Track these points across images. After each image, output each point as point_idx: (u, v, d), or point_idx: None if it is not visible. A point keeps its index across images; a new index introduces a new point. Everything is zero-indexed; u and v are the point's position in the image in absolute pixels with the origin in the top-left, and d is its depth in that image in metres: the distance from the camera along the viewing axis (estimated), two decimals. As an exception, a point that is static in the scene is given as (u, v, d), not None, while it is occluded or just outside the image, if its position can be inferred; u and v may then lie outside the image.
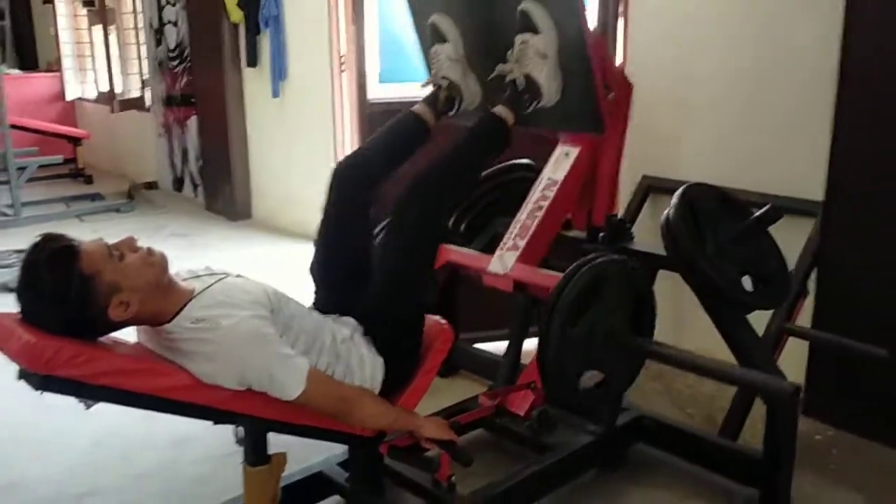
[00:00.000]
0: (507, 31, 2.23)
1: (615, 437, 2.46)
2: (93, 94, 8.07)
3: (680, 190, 2.28)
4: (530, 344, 2.69)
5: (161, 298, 1.64)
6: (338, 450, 2.24)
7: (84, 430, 2.68)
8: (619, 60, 3.32)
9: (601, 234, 2.49)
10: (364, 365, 1.89)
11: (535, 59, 2.10)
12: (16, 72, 8.74)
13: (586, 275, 2.03)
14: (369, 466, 2.18)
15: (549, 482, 2.31)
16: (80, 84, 8.45)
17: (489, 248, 2.86)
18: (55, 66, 8.65)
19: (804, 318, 2.74)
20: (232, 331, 1.59)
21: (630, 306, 2.14)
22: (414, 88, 2.60)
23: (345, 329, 1.94)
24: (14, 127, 6.27)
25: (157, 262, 1.64)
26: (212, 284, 1.73)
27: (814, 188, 2.72)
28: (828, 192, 2.64)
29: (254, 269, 2.08)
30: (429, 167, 2.03)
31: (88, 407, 1.56)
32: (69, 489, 2.43)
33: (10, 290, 4.37)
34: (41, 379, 1.45)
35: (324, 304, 2.05)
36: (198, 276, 1.79)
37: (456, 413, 2.43)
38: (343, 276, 2.03)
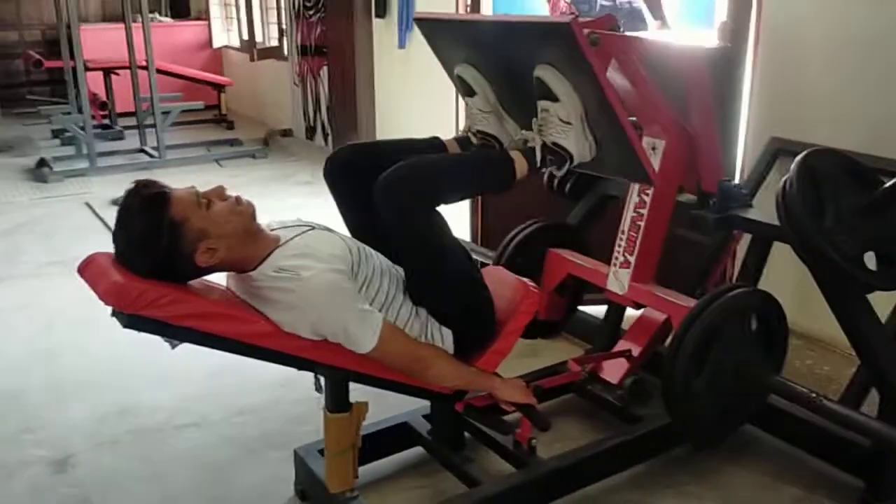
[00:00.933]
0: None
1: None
2: (237, 43, 8.40)
3: (801, 155, 2.10)
4: (632, 311, 2.62)
5: (247, 246, 1.70)
6: (427, 402, 2.26)
7: (200, 364, 2.76)
8: (754, 15, 3.09)
9: (712, 201, 2.34)
10: (434, 325, 1.88)
11: (559, 126, 1.92)
12: (167, 20, 9.22)
13: (699, 328, 1.97)
14: (451, 422, 2.20)
15: (637, 454, 2.25)
16: (227, 32, 8.82)
17: (598, 208, 2.79)
18: (204, 15, 9.05)
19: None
20: (310, 282, 1.62)
21: (755, 339, 2.09)
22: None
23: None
24: (160, 72, 6.64)
25: (244, 211, 1.69)
26: (297, 235, 1.77)
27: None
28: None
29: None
30: (424, 158, 1.88)
31: (174, 346, 1.64)
32: (176, 419, 2.60)
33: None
34: (128, 317, 1.54)
35: None
36: (286, 227, 1.83)
37: (544, 376, 2.41)
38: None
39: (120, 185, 5.67)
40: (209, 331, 1.60)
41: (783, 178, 2.10)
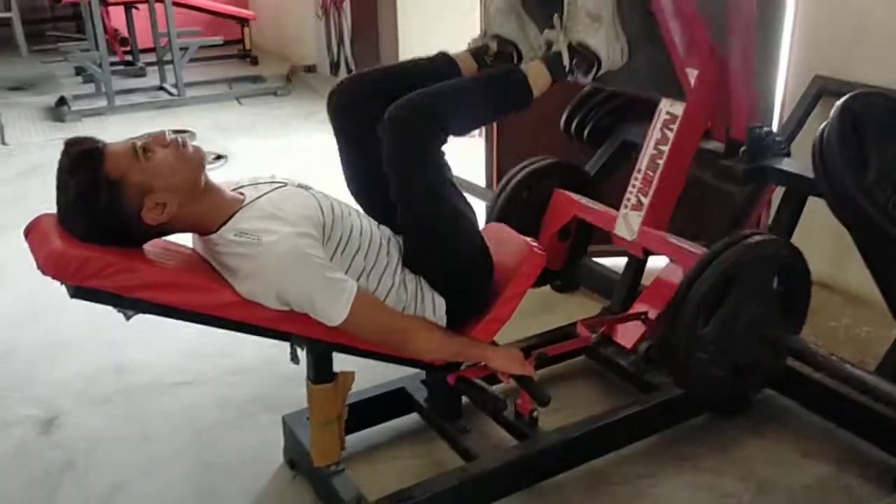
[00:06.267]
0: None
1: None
2: (261, -27, 8.13)
3: (843, 98, 1.86)
4: (653, 262, 2.42)
5: (202, 201, 1.52)
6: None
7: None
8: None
9: (742, 149, 2.10)
10: (426, 295, 1.72)
11: (586, 21, 1.69)
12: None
13: (712, 272, 1.79)
14: (448, 389, 2.05)
15: (648, 426, 2.09)
16: (251, -37, 8.53)
17: (619, 156, 2.57)
18: (229, -55, 8.75)
19: None
20: (271, 248, 1.46)
21: (773, 293, 1.88)
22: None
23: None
24: (180, 5, 6.42)
25: (190, 157, 1.50)
26: (265, 193, 1.60)
27: None
28: None
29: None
30: (430, 89, 1.68)
31: (128, 318, 1.50)
32: (169, 377, 2.50)
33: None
34: (74, 289, 1.40)
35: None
36: (256, 184, 1.65)
37: (551, 340, 2.24)
38: (378, 203, 1.79)
39: (136, 125, 5.56)
40: (163, 302, 1.46)
41: (822, 125, 1.87)
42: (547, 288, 2.94)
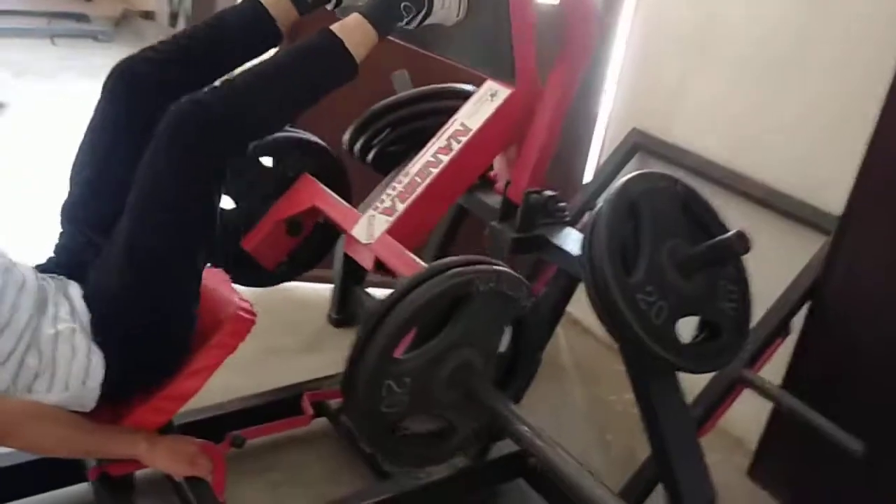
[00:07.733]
0: None
1: (481, 474, 1.91)
2: None
3: (623, 180, 1.59)
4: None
5: None
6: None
7: None
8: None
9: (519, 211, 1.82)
10: (76, 358, 1.31)
11: None
12: None
13: (438, 289, 1.38)
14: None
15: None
16: None
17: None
18: None
19: (777, 363, 2.08)
20: None
21: (497, 342, 1.50)
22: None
23: (71, 299, 1.36)
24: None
25: None
26: None
27: (835, 198, 2.00)
28: (849, 206, 1.92)
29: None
30: (236, 85, 1.41)
31: None
32: None
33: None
34: None
35: (67, 255, 1.46)
36: None
37: (273, 410, 1.90)
38: (100, 219, 1.43)
39: None
40: None
41: (598, 206, 1.59)
42: (322, 321, 2.61)
